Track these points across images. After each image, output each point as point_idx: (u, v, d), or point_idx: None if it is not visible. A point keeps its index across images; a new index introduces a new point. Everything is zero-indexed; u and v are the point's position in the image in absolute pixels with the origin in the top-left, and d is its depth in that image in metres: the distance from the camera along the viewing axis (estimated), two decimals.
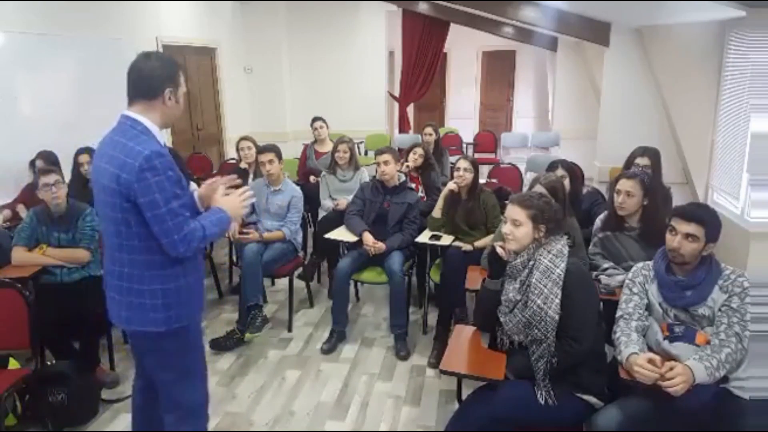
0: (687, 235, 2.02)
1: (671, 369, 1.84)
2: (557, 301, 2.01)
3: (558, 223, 2.18)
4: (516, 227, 2.12)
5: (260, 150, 3.91)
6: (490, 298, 2.24)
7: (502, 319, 2.19)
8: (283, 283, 4.24)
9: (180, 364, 1.97)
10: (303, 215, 4.06)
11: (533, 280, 2.06)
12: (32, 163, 3.92)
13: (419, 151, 4.48)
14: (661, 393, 1.84)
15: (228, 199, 2.00)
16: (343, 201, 4.31)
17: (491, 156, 8.53)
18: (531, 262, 2.10)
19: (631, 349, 1.98)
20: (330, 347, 3.54)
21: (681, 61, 4.64)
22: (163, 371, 1.98)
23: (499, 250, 2.19)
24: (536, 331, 2.03)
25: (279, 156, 3.82)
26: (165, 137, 5.73)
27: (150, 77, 1.82)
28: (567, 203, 2.90)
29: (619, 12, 4.91)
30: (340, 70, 7.78)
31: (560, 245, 2.11)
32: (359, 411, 2.94)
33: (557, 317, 2.00)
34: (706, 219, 2.03)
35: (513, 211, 2.15)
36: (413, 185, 4.13)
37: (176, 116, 1.93)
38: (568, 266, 2.05)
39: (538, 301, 2.02)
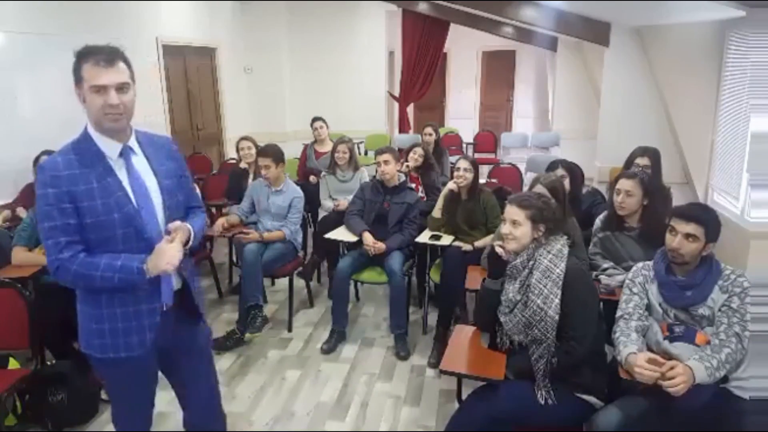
0: (687, 235, 2.02)
1: (672, 369, 1.84)
2: (557, 301, 2.01)
3: (557, 222, 2.18)
4: (515, 227, 2.13)
5: (259, 152, 3.90)
6: (490, 298, 2.24)
7: (502, 319, 2.19)
8: (283, 283, 4.25)
9: (115, 393, 1.93)
10: (303, 215, 4.06)
11: (533, 280, 2.06)
12: (36, 161, 3.91)
13: (419, 150, 4.48)
14: (661, 393, 1.84)
15: (164, 251, 1.65)
16: (343, 201, 4.30)
17: (491, 156, 8.53)
18: (531, 262, 2.10)
19: (630, 348, 1.98)
20: (330, 347, 3.54)
21: (681, 61, 4.64)
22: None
23: (498, 250, 2.19)
24: (536, 331, 2.03)
25: (277, 160, 3.76)
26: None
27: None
28: (567, 203, 2.90)
29: (619, 12, 4.91)
30: (340, 70, 7.78)
31: (560, 245, 2.11)
32: (359, 411, 2.94)
33: (557, 317, 2.00)
34: (706, 219, 2.03)
35: (512, 211, 2.15)
36: (413, 185, 4.13)
37: (92, 116, 1.62)
38: (568, 266, 2.05)
39: (538, 301, 2.02)
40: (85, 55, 1.58)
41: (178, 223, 1.71)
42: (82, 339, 1.76)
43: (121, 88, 1.59)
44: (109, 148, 1.66)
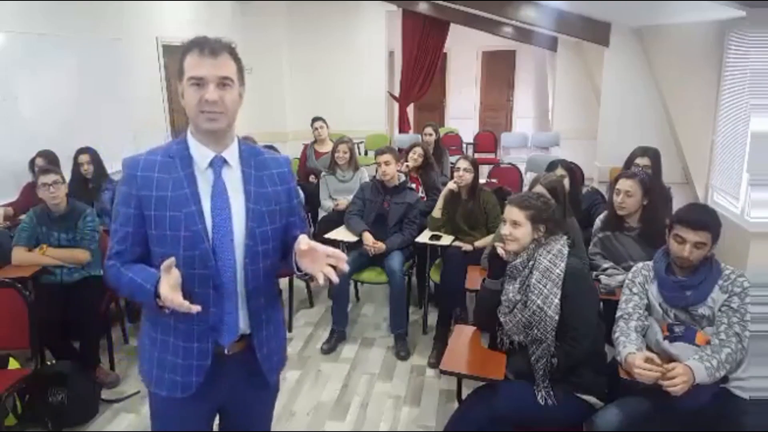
0: (697, 243, 2.01)
1: (672, 369, 1.84)
2: (557, 301, 2.01)
3: (557, 222, 2.18)
4: (515, 228, 2.12)
5: None
6: (490, 298, 2.24)
7: (502, 320, 2.19)
8: (283, 283, 4.22)
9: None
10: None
11: (533, 281, 2.06)
12: (32, 163, 3.92)
13: (419, 150, 4.47)
14: (661, 393, 1.84)
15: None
16: (343, 201, 4.30)
17: (491, 156, 8.53)
18: (531, 263, 2.10)
19: (629, 348, 1.98)
20: (330, 347, 3.54)
21: (681, 61, 4.64)
22: None
23: (499, 250, 2.20)
24: (536, 331, 2.03)
25: None
26: (165, 138, 5.75)
27: None
28: (567, 203, 2.90)
29: (619, 12, 4.92)
30: (340, 70, 7.78)
31: (560, 245, 2.11)
32: (359, 411, 2.94)
33: (557, 317, 2.00)
34: (713, 224, 2.03)
35: (511, 212, 2.15)
36: (413, 185, 4.13)
37: (189, 113, 1.42)
38: (568, 266, 2.05)
39: (538, 302, 2.02)
40: (189, 46, 1.39)
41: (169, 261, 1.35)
42: (139, 359, 1.58)
43: (224, 83, 1.37)
44: (200, 155, 1.43)
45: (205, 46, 1.36)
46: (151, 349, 1.51)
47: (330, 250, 1.42)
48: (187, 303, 1.31)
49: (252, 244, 1.45)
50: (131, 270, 1.41)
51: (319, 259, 1.42)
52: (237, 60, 1.43)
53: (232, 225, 1.43)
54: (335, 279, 1.40)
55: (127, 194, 1.41)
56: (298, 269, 1.47)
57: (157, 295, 1.33)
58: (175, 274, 1.33)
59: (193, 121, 1.42)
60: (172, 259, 1.33)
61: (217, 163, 1.44)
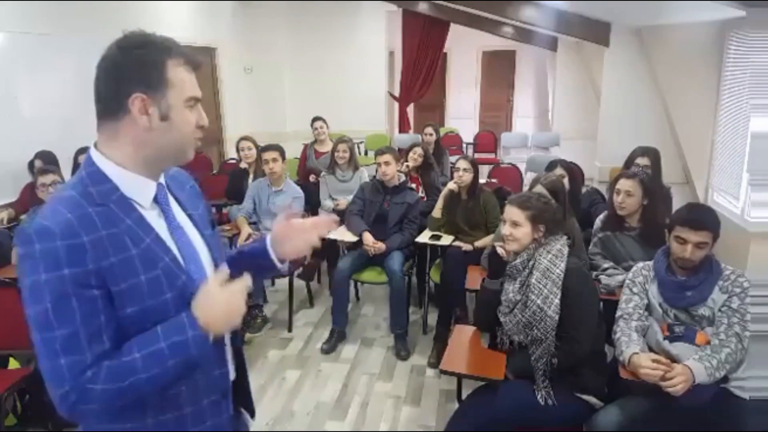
0: (698, 244, 2.01)
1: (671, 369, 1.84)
2: (557, 301, 2.01)
3: (557, 222, 2.19)
4: (515, 228, 2.13)
5: (264, 148, 3.90)
6: (489, 297, 2.24)
7: (502, 320, 2.19)
8: (283, 283, 4.24)
9: None
10: (303, 215, 4.05)
11: (533, 281, 2.06)
12: (31, 164, 3.92)
13: (418, 150, 4.48)
14: (661, 393, 1.84)
15: (218, 295, 1.06)
16: (344, 201, 4.30)
17: (491, 156, 8.53)
18: (531, 262, 2.10)
19: (632, 348, 1.98)
20: (330, 347, 3.54)
21: (681, 61, 4.64)
22: None
23: (499, 250, 2.20)
24: (536, 331, 2.03)
25: (282, 155, 3.83)
26: None
27: (106, 78, 1.09)
28: (567, 203, 2.90)
29: (619, 12, 4.91)
30: (340, 70, 7.77)
31: (560, 245, 2.11)
32: (359, 411, 2.94)
33: (557, 317, 2.00)
34: (713, 223, 2.03)
35: (511, 212, 2.15)
36: (413, 185, 4.14)
37: (174, 144, 1.09)
38: (568, 266, 2.06)
39: (538, 302, 2.02)
40: (168, 49, 1.07)
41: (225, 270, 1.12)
42: None
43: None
44: (140, 190, 1.08)
45: (191, 57, 1.11)
46: None
47: (309, 221, 1.29)
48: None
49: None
50: (132, 352, 0.99)
51: (297, 232, 1.27)
52: None
53: (201, 261, 1.16)
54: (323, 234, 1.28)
55: (80, 274, 0.96)
56: (281, 261, 1.30)
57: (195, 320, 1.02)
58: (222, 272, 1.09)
59: (179, 149, 1.11)
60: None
61: (162, 195, 1.13)
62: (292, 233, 1.28)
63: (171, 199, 1.16)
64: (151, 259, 1.04)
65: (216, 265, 1.19)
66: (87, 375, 0.97)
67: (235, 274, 1.12)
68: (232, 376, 1.27)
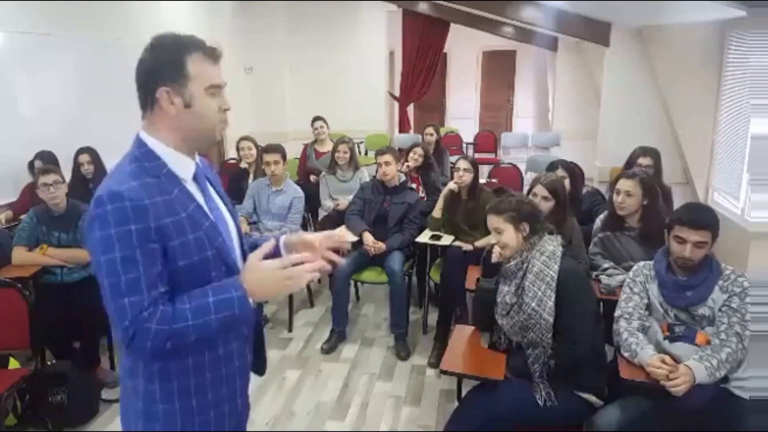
0: (697, 243, 2.01)
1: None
2: (551, 303, 2.00)
3: (538, 217, 2.18)
4: (500, 235, 2.14)
5: (265, 149, 3.90)
6: (485, 297, 2.24)
7: (499, 321, 2.19)
8: None
9: None
10: (303, 215, 4.06)
11: (527, 283, 2.06)
12: (31, 164, 3.92)
13: (419, 150, 4.48)
14: (661, 393, 1.84)
15: (265, 272, 1.25)
16: (344, 201, 4.31)
17: (491, 156, 8.53)
18: (525, 265, 2.10)
19: (648, 350, 1.98)
20: (330, 347, 3.54)
21: (681, 61, 4.63)
22: None
23: (495, 257, 2.21)
24: (532, 333, 2.03)
25: (284, 156, 3.83)
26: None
27: (140, 76, 1.27)
28: (567, 203, 2.91)
29: (619, 12, 4.91)
30: (340, 69, 7.77)
31: (553, 246, 2.11)
32: (359, 411, 2.94)
33: (551, 319, 2.00)
34: (712, 223, 2.03)
35: (491, 220, 2.17)
36: (413, 185, 4.14)
37: (201, 128, 1.28)
38: (562, 267, 2.05)
39: (533, 304, 2.02)
40: (187, 46, 1.24)
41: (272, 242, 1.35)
42: (130, 424, 1.30)
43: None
44: (183, 167, 1.28)
45: (213, 51, 1.27)
46: (166, 406, 1.25)
47: (322, 235, 1.45)
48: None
49: (244, 247, 1.42)
50: (184, 302, 1.19)
51: (318, 250, 1.41)
52: None
53: (231, 233, 1.37)
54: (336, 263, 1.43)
55: (143, 229, 1.15)
56: None
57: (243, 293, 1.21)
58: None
59: (207, 132, 1.29)
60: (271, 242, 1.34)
61: (200, 173, 1.34)
62: (303, 249, 1.42)
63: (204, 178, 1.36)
64: (196, 222, 1.24)
65: (239, 234, 1.41)
66: (144, 314, 1.15)
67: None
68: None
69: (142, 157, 1.24)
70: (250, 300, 1.22)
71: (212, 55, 1.27)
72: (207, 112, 1.26)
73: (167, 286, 1.19)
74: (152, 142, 1.25)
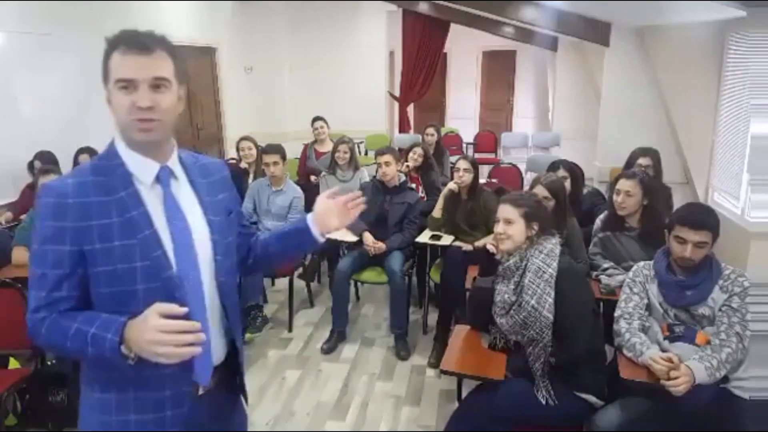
0: (698, 243, 2.01)
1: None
2: (550, 300, 2.00)
3: (550, 221, 2.19)
4: (509, 226, 2.13)
5: (265, 150, 3.90)
6: (482, 296, 2.24)
7: (498, 321, 2.19)
8: (283, 283, 4.24)
9: None
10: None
11: (526, 281, 2.06)
12: (31, 164, 3.92)
13: (418, 151, 4.48)
14: (661, 393, 1.84)
15: (144, 331, 1.11)
16: None
17: (491, 156, 8.53)
18: (523, 263, 2.10)
19: (653, 350, 1.97)
20: (330, 347, 3.54)
21: (681, 61, 4.63)
22: None
23: (490, 248, 2.20)
24: (532, 331, 2.03)
25: (283, 157, 3.83)
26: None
27: None
28: (567, 204, 2.91)
29: (619, 12, 4.91)
30: (340, 69, 7.77)
31: (551, 245, 2.11)
32: (359, 411, 2.94)
33: (551, 317, 2.00)
34: (713, 223, 2.03)
35: (505, 210, 2.15)
36: (413, 185, 4.13)
37: (119, 127, 1.20)
38: (560, 265, 2.05)
39: (532, 302, 2.02)
40: (114, 42, 1.17)
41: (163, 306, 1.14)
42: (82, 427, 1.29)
43: (158, 85, 1.17)
44: (142, 168, 1.22)
45: (134, 40, 1.16)
46: (103, 416, 1.23)
47: (343, 199, 1.44)
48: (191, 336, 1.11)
49: (222, 259, 1.30)
50: (75, 320, 1.14)
51: (342, 210, 1.44)
52: (174, 56, 1.21)
53: (194, 243, 1.24)
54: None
55: (58, 228, 1.14)
56: (322, 236, 1.44)
57: (121, 343, 1.11)
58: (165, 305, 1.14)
59: (123, 132, 1.20)
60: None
61: (164, 176, 1.24)
62: (335, 209, 1.44)
63: (180, 183, 1.28)
64: (132, 229, 1.18)
65: (214, 244, 1.29)
66: (40, 315, 1.16)
67: (277, 252, 1.48)
68: (218, 359, 1.33)
69: (105, 154, 1.24)
70: (123, 349, 1.11)
71: (133, 44, 1.15)
72: (117, 110, 1.17)
73: (76, 291, 1.17)
74: (117, 140, 1.23)
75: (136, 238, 1.17)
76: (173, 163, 1.27)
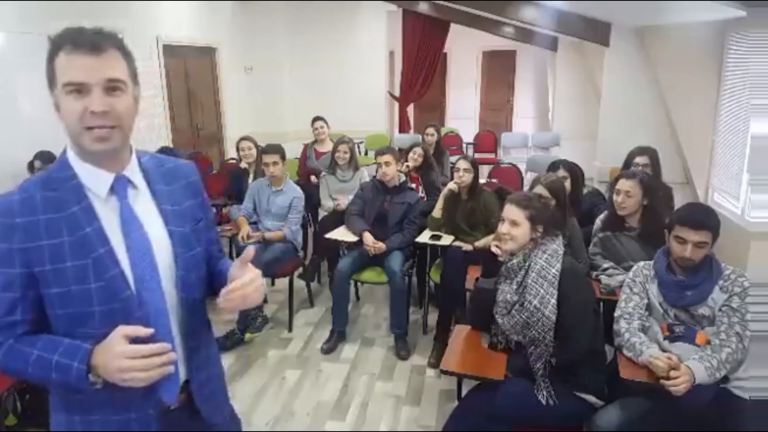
0: (698, 243, 2.01)
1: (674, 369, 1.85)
2: (553, 301, 2.01)
3: (555, 224, 2.19)
4: (514, 227, 2.12)
5: (264, 150, 3.90)
6: (484, 297, 2.24)
7: (500, 321, 2.19)
8: (283, 283, 4.24)
9: None
10: (303, 215, 4.06)
11: (529, 281, 2.06)
12: (31, 164, 3.92)
13: (418, 150, 4.48)
14: (661, 393, 1.84)
15: (113, 358, 1.07)
16: (344, 201, 4.31)
17: (491, 156, 8.53)
18: (527, 263, 2.10)
19: (652, 350, 1.97)
20: (330, 347, 3.54)
21: (681, 61, 4.63)
22: None
23: (494, 249, 2.20)
24: (533, 331, 2.03)
25: (283, 157, 3.83)
26: (166, 138, 5.75)
27: None
28: (567, 204, 2.91)
29: (619, 12, 4.91)
30: (340, 69, 7.78)
31: (555, 245, 2.11)
32: (359, 411, 2.94)
33: (554, 317, 2.00)
34: (713, 223, 2.03)
35: (511, 211, 2.15)
36: (413, 185, 4.14)
37: (69, 135, 1.12)
38: (563, 266, 2.05)
39: (535, 302, 2.02)
40: (59, 41, 1.05)
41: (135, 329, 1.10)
42: None
43: (113, 87, 1.07)
44: (95, 179, 1.13)
45: (82, 39, 1.05)
46: None
47: (242, 281, 1.17)
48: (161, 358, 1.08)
49: (185, 273, 1.20)
50: (35, 345, 1.09)
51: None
52: (127, 55, 1.11)
53: (154, 259, 1.15)
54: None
55: (5, 250, 1.07)
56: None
57: (89, 371, 1.07)
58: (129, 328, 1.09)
59: (75, 141, 1.10)
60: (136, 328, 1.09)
61: (120, 186, 1.15)
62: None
63: (139, 192, 1.19)
64: (85, 248, 1.09)
65: (176, 257, 1.20)
66: None
67: (216, 288, 1.22)
68: (183, 377, 1.24)
69: (57, 166, 1.14)
70: (91, 377, 1.07)
71: (82, 43, 1.04)
72: (67, 117, 1.07)
73: (31, 314, 1.10)
74: (68, 152, 1.14)
75: (89, 257, 1.09)
76: (131, 171, 1.17)
